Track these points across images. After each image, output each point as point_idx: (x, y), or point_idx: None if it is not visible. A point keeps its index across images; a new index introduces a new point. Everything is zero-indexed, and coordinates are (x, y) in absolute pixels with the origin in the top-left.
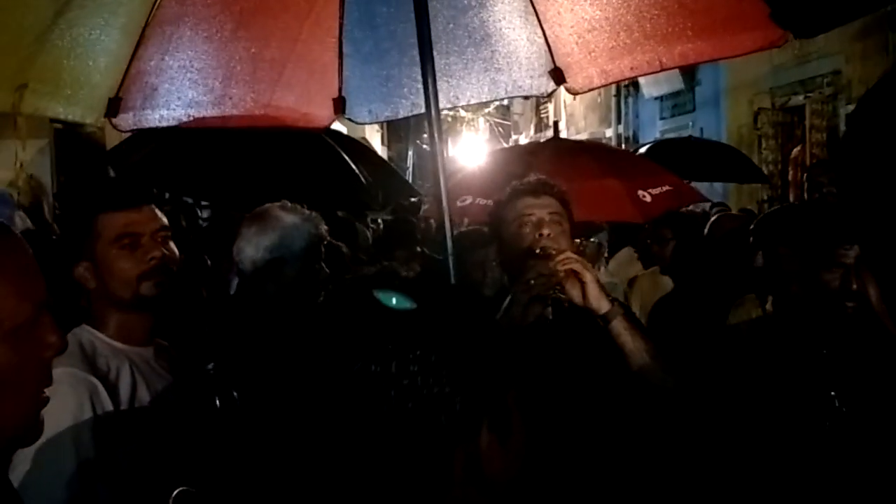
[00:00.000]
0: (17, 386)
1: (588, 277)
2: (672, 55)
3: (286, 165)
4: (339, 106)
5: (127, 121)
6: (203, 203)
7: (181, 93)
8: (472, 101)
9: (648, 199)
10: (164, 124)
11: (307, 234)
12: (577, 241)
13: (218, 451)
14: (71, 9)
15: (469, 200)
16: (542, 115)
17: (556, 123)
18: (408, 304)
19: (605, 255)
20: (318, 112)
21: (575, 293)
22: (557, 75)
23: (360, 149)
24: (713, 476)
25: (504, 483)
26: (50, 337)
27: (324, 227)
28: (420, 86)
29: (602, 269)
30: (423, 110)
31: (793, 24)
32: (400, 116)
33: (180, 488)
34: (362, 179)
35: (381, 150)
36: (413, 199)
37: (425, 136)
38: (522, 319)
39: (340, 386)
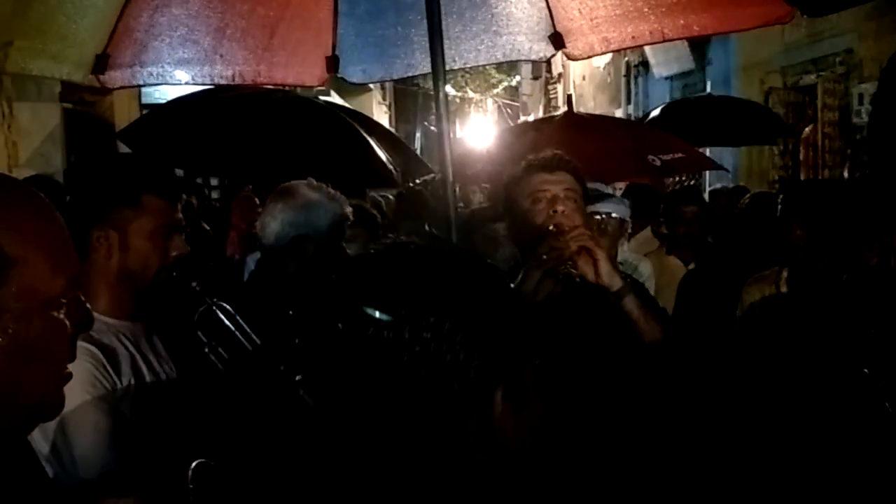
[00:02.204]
0: (46, 358)
1: (600, 254)
2: (675, 26)
3: (304, 142)
4: (332, 65)
5: (115, 78)
6: (213, 183)
7: (171, 50)
8: (470, 64)
9: (658, 163)
10: (153, 81)
11: (332, 212)
12: (600, 216)
13: (236, 424)
14: None
15: (479, 168)
16: (551, 97)
17: (569, 97)
18: (386, 318)
19: (629, 231)
20: (310, 70)
21: (587, 269)
22: (557, 40)
23: (377, 126)
24: (723, 449)
25: (520, 453)
26: (79, 312)
27: (348, 208)
28: (415, 47)
29: (624, 245)
30: (417, 71)
31: (801, 2)
32: (394, 77)
33: (199, 460)
34: (381, 156)
35: None
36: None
37: (433, 117)
38: (535, 294)
39: (352, 351)
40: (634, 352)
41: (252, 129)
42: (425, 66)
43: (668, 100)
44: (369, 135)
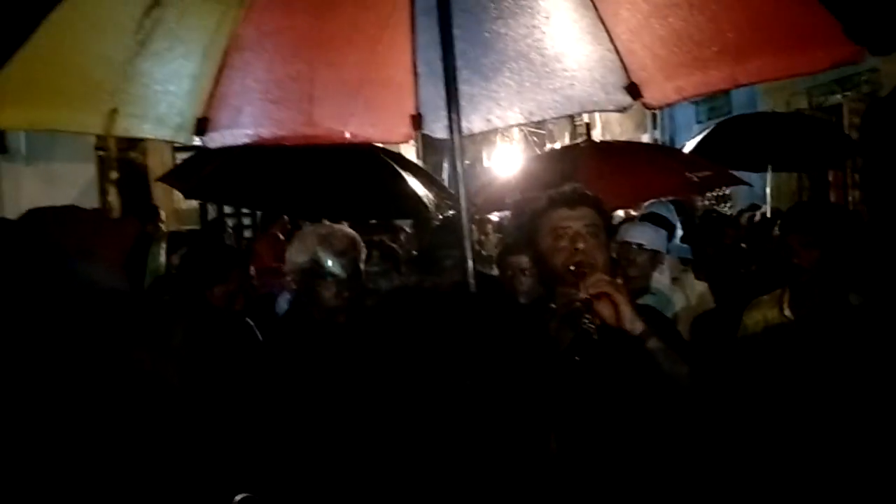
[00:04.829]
0: None
1: (620, 299)
2: (747, 71)
3: (343, 180)
4: (417, 122)
5: (215, 139)
6: (245, 223)
7: (264, 113)
8: (547, 117)
9: (696, 179)
10: (250, 142)
11: (335, 250)
12: (635, 246)
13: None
14: (152, 41)
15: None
16: (577, 124)
17: (587, 126)
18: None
19: (663, 262)
20: (395, 129)
21: (607, 314)
22: (633, 90)
23: (409, 162)
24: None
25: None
26: None
27: (360, 244)
28: (492, 103)
29: (658, 275)
30: (495, 125)
31: (868, 41)
32: (475, 131)
33: (243, 495)
34: (418, 191)
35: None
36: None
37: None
38: (557, 344)
39: (435, 398)
40: (658, 393)
41: (289, 168)
42: (503, 120)
43: (693, 124)
44: (405, 170)
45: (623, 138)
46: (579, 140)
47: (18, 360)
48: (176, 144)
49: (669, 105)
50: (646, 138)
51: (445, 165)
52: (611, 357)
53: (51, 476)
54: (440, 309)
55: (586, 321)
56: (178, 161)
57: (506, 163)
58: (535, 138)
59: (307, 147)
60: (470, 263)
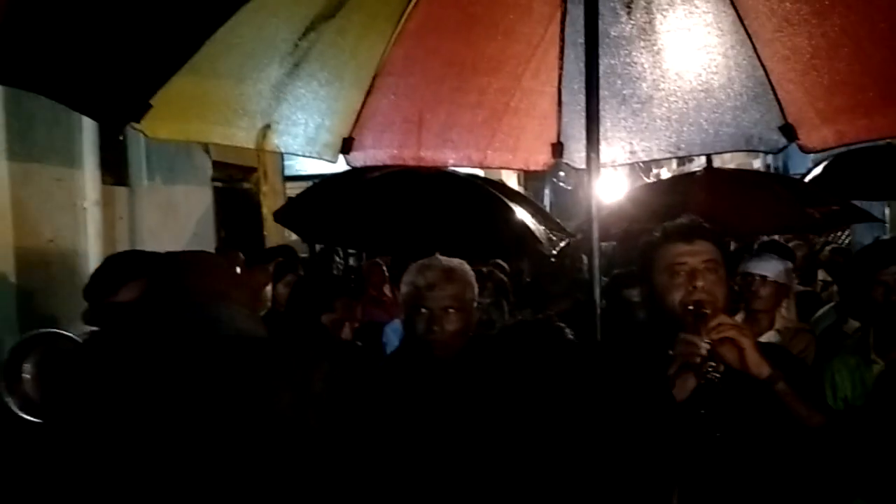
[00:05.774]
0: None
1: (746, 343)
2: None
3: (452, 221)
4: (558, 150)
5: (358, 158)
6: (350, 251)
7: (406, 135)
8: (695, 153)
9: (818, 216)
10: (391, 162)
11: (429, 282)
12: (759, 278)
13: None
14: (307, 62)
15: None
16: None
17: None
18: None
19: (789, 295)
20: (534, 156)
21: (731, 358)
22: (788, 132)
23: (516, 193)
24: None
25: None
26: None
27: (463, 275)
28: (633, 136)
29: (784, 311)
30: (637, 159)
31: None
32: (618, 163)
33: None
34: (529, 226)
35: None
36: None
37: (562, 173)
38: (679, 392)
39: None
40: (789, 441)
41: (397, 210)
42: (647, 153)
43: None
44: (513, 202)
45: (733, 164)
46: (686, 166)
47: (161, 401)
48: (285, 174)
49: (826, 149)
50: (757, 164)
51: (546, 192)
52: (737, 405)
53: None
54: (559, 347)
55: (710, 370)
56: (288, 189)
57: (610, 189)
58: (641, 163)
59: (416, 187)
60: (597, 295)
